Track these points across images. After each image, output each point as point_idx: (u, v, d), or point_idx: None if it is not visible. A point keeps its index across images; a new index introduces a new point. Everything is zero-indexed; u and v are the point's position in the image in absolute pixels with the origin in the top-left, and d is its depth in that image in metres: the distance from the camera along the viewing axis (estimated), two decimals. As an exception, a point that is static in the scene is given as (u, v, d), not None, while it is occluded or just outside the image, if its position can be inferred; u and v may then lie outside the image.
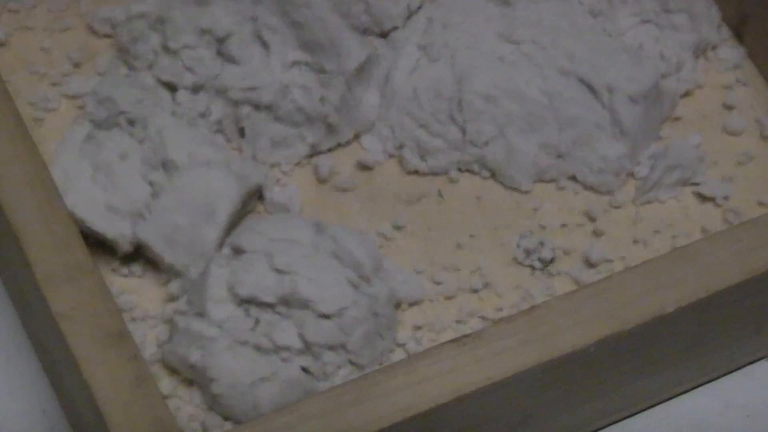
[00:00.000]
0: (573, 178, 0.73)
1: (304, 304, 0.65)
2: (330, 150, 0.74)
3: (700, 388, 0.69)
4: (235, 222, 0.70)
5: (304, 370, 0.64)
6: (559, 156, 0.73)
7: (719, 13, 0.79)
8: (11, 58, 0.76)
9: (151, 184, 0.69)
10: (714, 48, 0.79)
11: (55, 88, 0.75)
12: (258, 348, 0.64)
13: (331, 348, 0.64)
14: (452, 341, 0.58)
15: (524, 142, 0.72)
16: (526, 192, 0.73)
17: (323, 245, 0.67)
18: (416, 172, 0.73)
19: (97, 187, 0.69)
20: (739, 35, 0.79)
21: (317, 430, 0.56)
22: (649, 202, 0.73)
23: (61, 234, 0.60)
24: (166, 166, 0.70)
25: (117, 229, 0.68)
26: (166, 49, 0.74)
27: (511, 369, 0.58)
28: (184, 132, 0.71)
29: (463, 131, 0.73)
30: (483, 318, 0.68)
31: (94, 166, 0.69)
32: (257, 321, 0.65)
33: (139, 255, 0.69)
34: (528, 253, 0.71)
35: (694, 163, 0.73)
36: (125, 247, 0.68)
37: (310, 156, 0.73)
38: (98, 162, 0.69)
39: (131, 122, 0.71)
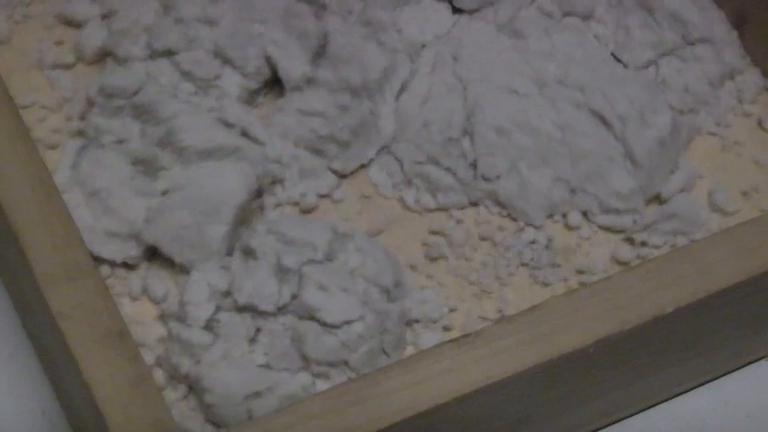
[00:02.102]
0: (584, 214, 0.72)
1: (308, 313, 0.64)
2: (352, 173, 0.73)
3: (700, 388, 0.69)
4: (246, 214, 0.69)
5: (303, 387, 0.63)
6: (572, 191, 0.72)
7: (739, 38, 0.78)
8: (10, 57, 0.76)
9: (147, 194, 0.69)
10: (740, 74, 0.78)
11: (54, 86, 0.75)
12: (255, 362, 0.63)
13: (332, 365, 0.64)
14: (452, 341, 0.58)
15: (537, 176, 0.72)
16: (539, 227, 0.72)
17: (340, 253, 0.66)
18: (424, 208, 0.72)
19: (93, 214, 0.69)
20: (739, 35, 0.79)
21: (317, 430, 0.55)
22: (641, 244, 0.72)
23: (61, 234, 0.60)
24: (180, 153, 0.69)
25: (124, 252, 0.68)
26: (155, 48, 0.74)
27: (511, 369, 0.57)
28: (195, 118, 0.70)
29: (474, 167, 0.72)
30: (483, 318, 0.68)
31: (86, 193, 0.69)
32: (258, 330, 0.64)
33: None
34: (528, 253, 0.71)
35: (694, 217, 0.72)
36: (141, 265, 0.69)
37: (336, 188, 0.73)
38: (89, 189, 0.69)
39: (138, 109, 0.71)
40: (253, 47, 0.74)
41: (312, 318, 0.64)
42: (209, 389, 0.63)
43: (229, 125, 0.71)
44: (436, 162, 0.72)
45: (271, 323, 0.64)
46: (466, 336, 0.58)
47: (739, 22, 0.79)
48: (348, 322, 0.64)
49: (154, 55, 0.74)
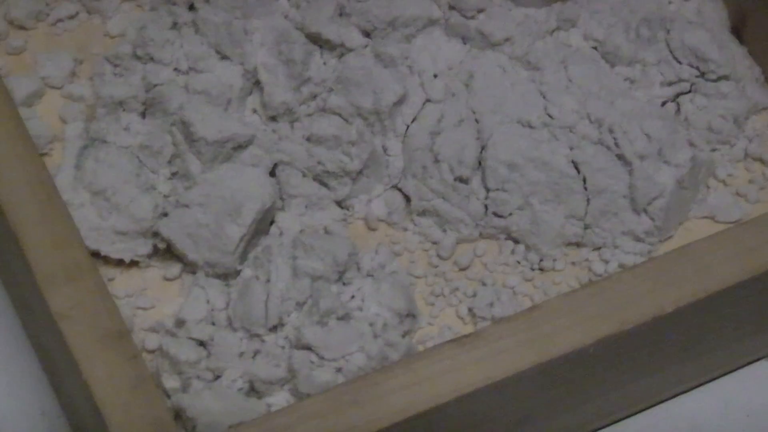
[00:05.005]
0: (597, 249, 0.71)
1: (304, 343, 0.63)
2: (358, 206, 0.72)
3: (700, 388, 0.69)
4: (262, 224, 0.68)
5: None
6: (586, 227, 0.71)
7: (762, 73, 0.77)
8: (11, 57, 0.77)
9: (155, 190, 0.69)
10: (764, 109, 0.76)
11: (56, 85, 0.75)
12: (243, 390, 0.63)
13: None
14: (452, 341, 0.58)
15: (550, 211, 0.70)
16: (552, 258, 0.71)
17: (356, 279, 0.66)
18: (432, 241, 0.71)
19: (100, 214, 0.68)
20: (739, 35, 0.79)
21: (317, 430, 0.55)
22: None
23: (61, 234, 0.60)
24: (193, 144, 0.69)
25: (133, 250, 0.68)
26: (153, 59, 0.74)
27: (511, 369, 0.58)
28: (207, 108, 0.70)
29: (486, 205, 0.70)
30: (483, 318, 0.68)
31: (91, 192, 0.69)
32: (256, 352, 0.63)
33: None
34: (527, 255, 0.71)
35: None
36: (145, 263, 0.68)
37: (343, 220, 0.71)
38: (95, 187, 0.69)
39: (143, 104, 0.71)
40: (250, 45, 0.73)
41: (308, 348, 0.63)
42: (192, 418, 0.61)
43: (237, 115, 0.71)
44: (446, 199, 0.71)
45: (268, 347, 0.64)
46: (466, 336, 0.58)
47: (739, 22, 0.79)
48: (345, 356, 0.63)
49: (149, 60, 0.74)
